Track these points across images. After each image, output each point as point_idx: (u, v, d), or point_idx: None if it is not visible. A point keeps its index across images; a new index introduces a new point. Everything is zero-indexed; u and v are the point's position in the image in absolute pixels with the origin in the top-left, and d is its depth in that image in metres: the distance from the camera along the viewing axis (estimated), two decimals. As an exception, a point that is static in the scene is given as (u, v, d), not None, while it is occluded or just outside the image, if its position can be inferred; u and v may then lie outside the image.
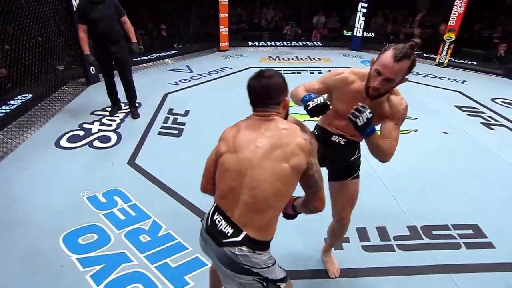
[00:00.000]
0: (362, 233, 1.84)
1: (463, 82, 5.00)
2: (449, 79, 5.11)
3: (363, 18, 6.19)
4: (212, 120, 3.15)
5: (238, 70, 5.07)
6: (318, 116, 1.21)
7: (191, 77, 4.58)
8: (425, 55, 6.12)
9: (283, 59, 6.04)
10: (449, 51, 5.62)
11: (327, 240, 1.62)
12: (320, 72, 5.04)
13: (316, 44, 7.08)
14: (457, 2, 5.25)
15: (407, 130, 3.31)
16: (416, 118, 3.62)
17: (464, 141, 3.17)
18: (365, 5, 6.12)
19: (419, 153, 2.89)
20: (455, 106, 3.99)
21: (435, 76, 5.25)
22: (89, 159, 2.43)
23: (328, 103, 1.21)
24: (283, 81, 1.08)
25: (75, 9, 3.32)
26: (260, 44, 6.82)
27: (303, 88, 1.36)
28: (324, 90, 1.35)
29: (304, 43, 7.00)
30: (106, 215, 1.88)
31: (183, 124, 3.07)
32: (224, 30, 6.29)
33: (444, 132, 3.31)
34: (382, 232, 1.88)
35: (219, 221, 0.96)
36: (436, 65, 5.86)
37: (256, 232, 0.92)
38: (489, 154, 2.92)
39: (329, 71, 1.37)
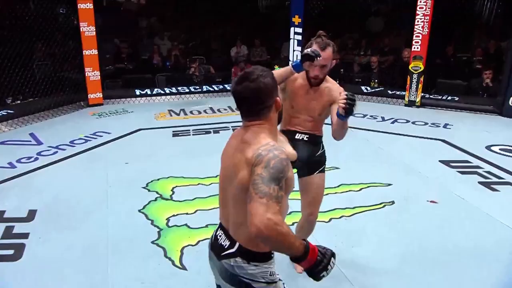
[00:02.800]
0: None
1: (445, 126, 5.63)
2: (425, 124, 5.72)
3: (299, 48, 6.94)
4: (78, 223, 3.20)
5: (120, 136, 5.13)
6: (318, 57, 2.11)
7: (38, 153, 4.59)
8: (389, 92, 6.95)
9: (191, 113, 6.34)
10: (420, 85, 6.45)
11: None
12: None
13: None
14: (418, 22, 6.23)
15: (380, 204, 3.45)
16: (390, 185, 3.86)
17: (459, 210, 3.36)
18: (299, 30, 7.00)
19: (401, 233, 3.06)
20: (440, 161, 4.36)
21: (407, 121, 5.85)
22: None
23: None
24: (269, 79, 1.41)
25: None
26: (154, 92, 7.11)
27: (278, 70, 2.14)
28: (280, 88, 2.18)
29: (221, 86, 7.55)
30: None
31: (25, 236, 3.00)
32: (93, 74, 6.40)
33: (431, 202, 3.52)
34: None
35: (220, 236, 1.43)
36: (406, 104, 6.62)
37: (246, 242, 1.33)
38: (493, 225, 3.13)
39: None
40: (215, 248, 1.48)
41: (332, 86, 2.32)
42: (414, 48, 6.37)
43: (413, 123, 5.79)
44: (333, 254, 1.35)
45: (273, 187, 1.27)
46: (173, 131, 5.38)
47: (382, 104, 6.89)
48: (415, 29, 6.30)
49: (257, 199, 1.25)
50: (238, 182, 1.36)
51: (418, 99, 6.55)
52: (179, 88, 7.32)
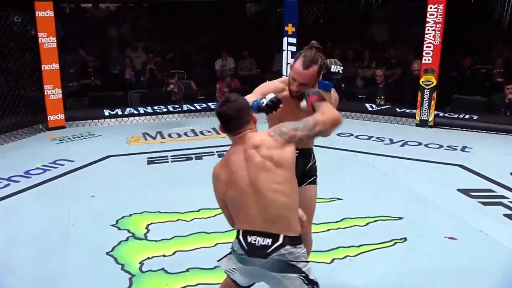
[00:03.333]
0: None
1: (463, 149, 5.71)
2: (440, 146, 5.79)
3: (292, 61, 7.07)
4: (33, 271, 3.12)
5: (85, 164, 5.12)
6: (275, 110, 2.24)
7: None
8: (398, 110, 7.03)
9: (170, 136, 6.37)
10: (433, 102, 6.56)
11: None
12: None
13: None
14: (428, 30, 6.38)
15: (390, 241, 3.43)
16: (401, 218, 3.86)
17: (481, 248, 3.35)
18: (293, 40, 7.09)
19: (415, 275, 3.03)
20: (458, 190, 4.39)
21: (419, 143, 5.92)
22: None
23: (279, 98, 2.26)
24: (245, 100, 2.08)
25: None
26: (126, 112, 7.14)
27: (250, 96, 2.36)
28: None
29: (204, 105, 7.61)
30: None
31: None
32: (53, 92, 6.40)
33: (449, 238, 3.50)
34: None
35: (254, 240, 1.88)
36: (417, 124, 6.71)
37: (287, 230, 1.86)
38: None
39: None
40: (258, 251, 1.94)
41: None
42: (425, 60, 6.51)
43: (426, 145, 5.85)
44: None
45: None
46: (149, 158, 5.37)
47: (389, 124, 6.96)
48: (425, 38, 6.45)
49: (311, 122, 2.04)
50: (280, 164, 1.95)
51: (431, 118, 6.65)
52: (155, 108, 7.34)
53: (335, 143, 5.59)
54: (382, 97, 7.56)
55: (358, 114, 7.28)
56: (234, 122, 2.05)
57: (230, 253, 2.07)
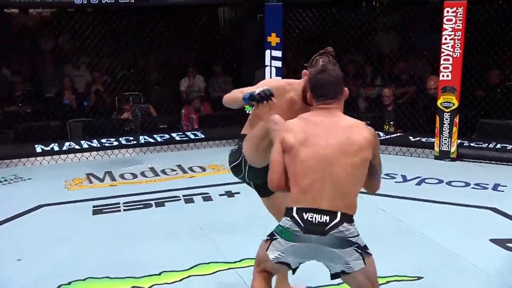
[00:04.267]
0: None
1: (495, 187, 5.75)
2: (466, 184, 5.84)
3: (279, 79, 7.14)
4: None
5: (10, 217, 5.06)
6: (266, 101, 2.84)
7: None
8: (412, 139, 7.13)
9: (122, 177, 6.36)
10: (455, 129, 6.67)
11: None
12: (208, 199, 5.56)
13: (192, 135, 7.90)
14: (446, 39, 6.55)
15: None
16: (420, 278, 3.79)
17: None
18: (277, 53, 7.19)
19: None
20: (491, 240, 4.39)
21: (440, 181, 5.97)
22: None
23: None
24: (341, 72, 2.69)
25: None
26: (65, 147, 7.12)
27: (240, 90, 3.01)
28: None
29: (166, 136, 7.66)
30: None
31: None
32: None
33: (482, 303, 3.54)
34: None
35: (311, 217, 2.40)
36: (436, 157, 6.81)
37: (345, 209, 2.41)
38: None
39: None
40: (316, 228, 2.43)
41: None
42: (443, 76, 6.68)
43: (449, 183, 5.91)
44: None
45: None
46: (95, 206, 5.34)
47: (402, 156, 7.04)
48: (442, 50, 6.63)
49: (380, 176, 2.70)
50: (359, 158, 2.48)
51: (453, 149, 6.75)
52: (104, 141, 7.32)
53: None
54: (392, 122, 7.68)
55: (363, 145, 7.34)
56: (333, 88, 2.60)
57: (273, 239, 2.54)
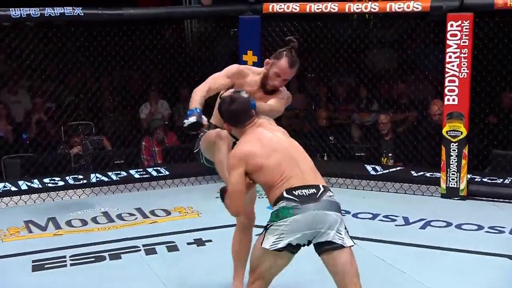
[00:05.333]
0: None
1: (512, 231, 5.80)
2: (479, 228, 5.84)
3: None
4: None
5: None
6: (194, 132, 3.82)
7: None
8: (414, 174, 7.16)
9: (70, 224, 6.28)
10: (464, 162, 6.69)
11: (238, 265, 4.18)
12: (174, 249, 5.49)
13: (154, 171, 7.88)
14: (450, 57, 6.60)
15: None
16: None
17: None
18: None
19: None
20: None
21: (448, 224, 5.98)
22: None
23: (204, 123, 3.74)
24: (247, 97, 3.52)
25: None
26: None
27: (203, 90, 3.94)
28: (228, 84, 3.93)
29: (124, 173, 7.62)
30: None
31: None
32: None
33: None
34: None
35: (301, 192, 3.12)
36: (443, 195, 6.82)
37: (323, 182, 3.26)
38: None
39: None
40: (309, 198, 3.11)
41: (283, 90, 4.06)
42: (448, 100, 6.75)
43: (458, 227, 5.92)
44: None
45: None
46: (34, 261, 5.25)
47: (402, 194, 7.07)
48: (446, 70, 6.71)
49: None
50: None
51: (462, 186, 6.77)
52: (46, 180, 7.23)
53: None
54: (390, 154, 7.71)
55: (356, 181, 7.38)
56: (245, 114, 3.41)
57: (267, 229, 3.14)
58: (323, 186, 3.20)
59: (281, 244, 3.06)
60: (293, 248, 3.11)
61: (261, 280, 3.20)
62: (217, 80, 3.99)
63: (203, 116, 3.73)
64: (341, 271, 3.11)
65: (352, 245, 3.13)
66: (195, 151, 4.25)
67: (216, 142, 3.71)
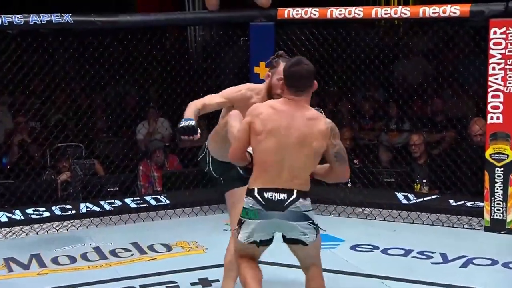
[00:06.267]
0: None
1: None
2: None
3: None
4: None
5: None
6: (187, 136, 4.10)
7: None
8: (452, 203, 7.11)
9: (56, 261, 6.24)
10: (511, 190, 6.65)
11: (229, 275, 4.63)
12: None
13: (153, 200, 7.89)
14: (494, 69, 6.57)
15: None
16: None
17: None
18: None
19: None
20: None
21: (493, 262, 5.92)
22: None
23: (198, 130, 4.10)
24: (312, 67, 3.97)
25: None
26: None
27: (198, 104, 4.35)
28: (224, 105, 4.46)
29: (118, 202, 7.61)
30: None
31: None
32: None
33: None
34: None
35: (271, 196, 3.72)
36: (487, 228, 6.76)
37: (300, 187, 3.76)
38: None
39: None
40: (276, 205, 3.65)
41: None
42: (492, 118, 6.73)
43: (506, 265, 5.86)
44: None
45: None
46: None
47: (439, 227, 7.03)
48: (489, 83, 6.69)
49: (346, 163, 3.87)
50: (313, 149, 3.70)
51: (510, 217, 6.72)
52: (30, 211, 7.24)
53: (349, 263, 5.62)
54: (424, 181, 7.68)
55: (385, 211, 7.35)
56: (304, 81, 3.79)
57: (241, 224, 3.79)
58: (297, 192, 3.70)
59: (253, 238, 3.79)
60: (261, 243, 3.86)
61: (247, 257, 3.94)
62: (212, 99, 4.43)
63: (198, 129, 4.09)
64: (303, 259, 3.96)
65: (315, 241, 3.78)
66: (200, 158, 4.75)
67: (228, 117, 4.15)
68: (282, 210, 3.67)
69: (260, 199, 3.70)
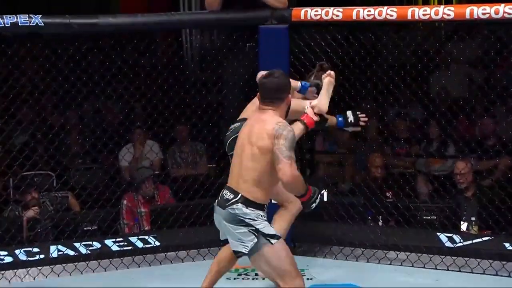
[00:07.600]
0: None
1: None
2: None
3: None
4: None
5: None
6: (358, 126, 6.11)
7: None
8: (508, 247, 7.02)
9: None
10: None
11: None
12: None
13: (139, 242, 7.85)
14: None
15: None
16: None
17: None
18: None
19: None
20: None
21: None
22: None
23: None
24: (288, 80, 5.05)
25: None
26: None
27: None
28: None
29: (97, 244, 7.57)
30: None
31: None
32: None
33: None
34: None
35: (225, 193, 4.80)
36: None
37: (246, 193, 4.65)
38: None
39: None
40: (221, 202, 4.55)
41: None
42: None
43: None
44: (320, 192, 4.76)
45: (292, 152, 4.41)
46: None
47: (492, 276, 6.99)
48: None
49: (285, 161, 4.36)
50: (258, 148, 4.46)
51: None
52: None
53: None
54: (473, 218, 7.64)
55: (425, 257, 7.32)
56: (271, 93, 4.57)
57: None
58: (242, 196, 4.47)
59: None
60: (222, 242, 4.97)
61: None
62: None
63: None
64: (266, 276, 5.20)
65: (259, 251, 4.42)
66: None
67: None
68: (223, 208, 4.52)
69: (220, 193, 4.67)
